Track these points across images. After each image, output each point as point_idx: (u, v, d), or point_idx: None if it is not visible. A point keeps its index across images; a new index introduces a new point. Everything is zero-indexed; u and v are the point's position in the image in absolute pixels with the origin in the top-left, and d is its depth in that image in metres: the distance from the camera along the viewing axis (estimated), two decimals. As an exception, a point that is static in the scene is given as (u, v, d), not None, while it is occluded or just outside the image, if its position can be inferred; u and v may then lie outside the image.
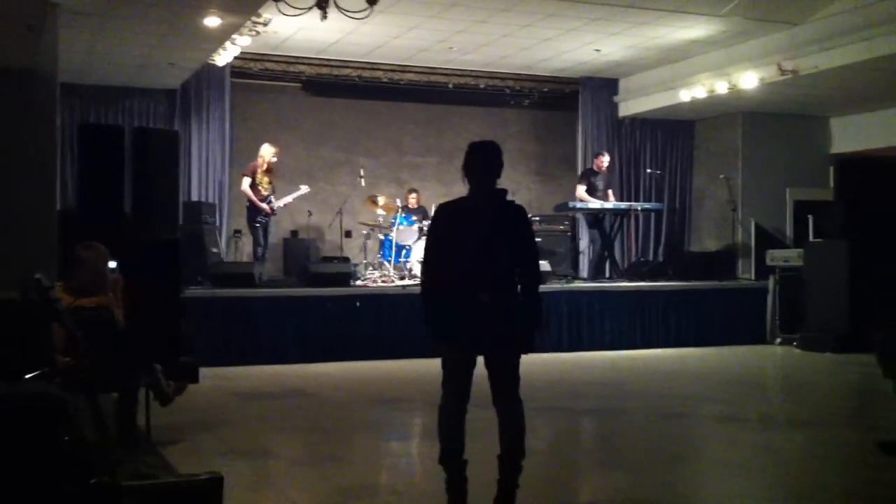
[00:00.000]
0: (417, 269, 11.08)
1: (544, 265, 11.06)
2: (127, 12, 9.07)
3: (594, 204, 12.88)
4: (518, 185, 14.37)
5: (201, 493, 3.53)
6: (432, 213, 4.77)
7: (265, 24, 10.52)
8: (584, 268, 13.94)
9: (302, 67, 13.37)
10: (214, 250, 11.77)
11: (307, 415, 7.64)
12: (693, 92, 12.86)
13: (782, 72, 11.52)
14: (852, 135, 14.40)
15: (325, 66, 13.42)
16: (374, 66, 13.58)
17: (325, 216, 13.39)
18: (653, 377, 9.93)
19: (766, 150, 14.19)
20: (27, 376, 4.03)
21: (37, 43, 7.63)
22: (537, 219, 12.97)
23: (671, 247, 14.78)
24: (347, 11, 8.83)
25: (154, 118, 12.70)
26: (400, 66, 13.61)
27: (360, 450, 6.49)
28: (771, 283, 12.72)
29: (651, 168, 14.69)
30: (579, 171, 13.87)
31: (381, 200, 12.40)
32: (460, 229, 4.50)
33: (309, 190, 12.27)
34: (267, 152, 11.71)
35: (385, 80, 13.84)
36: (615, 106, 14.66)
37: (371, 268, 12.08)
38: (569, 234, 13.47)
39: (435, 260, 4.56)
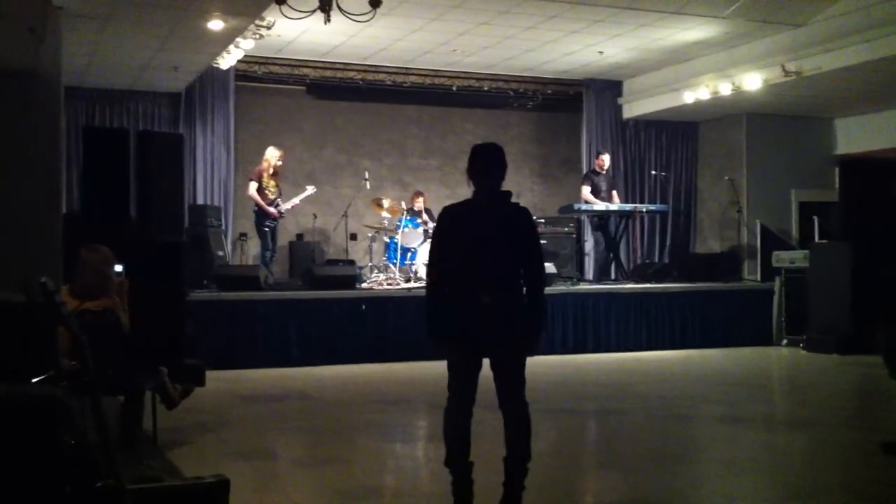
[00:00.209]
0: (423, 272, 11.07)
1: (549, 267, 11.06)
2: (130, 15, 9.08)
3: (599, 206, 12.88)
4: (522, 187, 14.38)
5: (207, 496, 3.53)
6: (437, 215, 4.78)
7: (268, 28, 10.54)
8: (589, 269, 13.93)
9: (305, 70, 13.39)
10: (219, 253, 11.77)
11: (312, 417, 7.65)
12: (697, 93, 12.85)
13: (786, 73, 11.51)
14: (856, 136, 14.38)
15: (329, 68, 13.44)
16: (377, 69, 13.59)
17: (330, 219, 13.40)
18: (658, 379, 9.92)
19: (770, 152, 14.17)
20: (32, 381, 4.03)
21: (40, 46, 7.64)
22: (542, 221, 12.96)
23: (676, 248, 14.76)
24: (350, 14, 8.83)
25: (158, 121, 12.72)
26: (403, 68, 13.62)
27: (364, 452, 6.49)
28: (777, 284, 12.70)
29: (655, 170, 14.67)
30: (583, 174, 13.86)
31: (385, 203, 12.40)
32: (464, 232, 4.51)
33: (315, 190, 12.28)
34: (272, 155, 11.71)
35: (388, 82, 13.85)
36: (619, 108, 14.65)
37: (376, 270, 12.09)
38: (573, 235, 13.46)
39: (440, 262, 4.57)
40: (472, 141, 4.89)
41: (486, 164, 4.54)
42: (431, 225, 11.39)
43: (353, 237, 13.14)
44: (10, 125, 8.01)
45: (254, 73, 13.16)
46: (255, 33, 10.55)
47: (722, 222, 14.56)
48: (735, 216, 13.85)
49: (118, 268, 6.12)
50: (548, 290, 4.67)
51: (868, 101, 13.22)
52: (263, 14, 9.90)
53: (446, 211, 4.62)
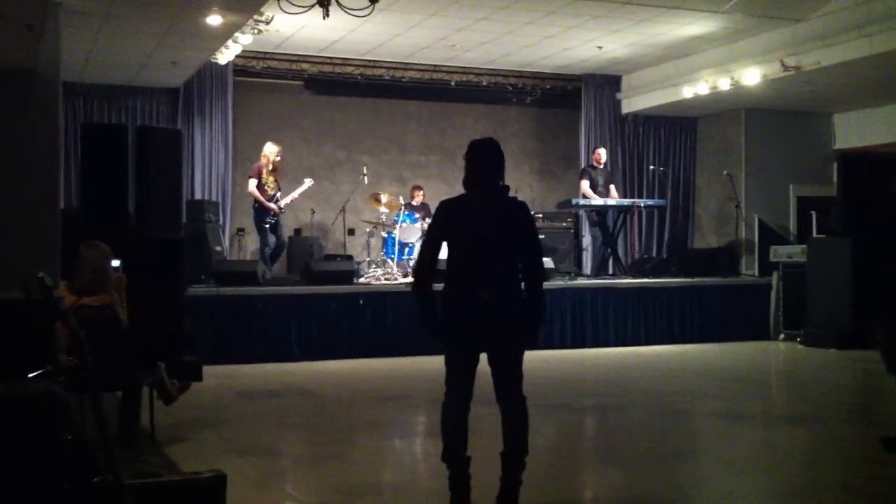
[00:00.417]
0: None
1: (547, 262, 11.06)
2: (128, 11, 9.07)
3: (597, 201, 12.89)
4: (520, 182, 14.37)
5: (205, 491, 3.53)
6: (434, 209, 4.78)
7: (267, 23, 10.53)
8: (587, 265, 13.95)
9: (304, 66, 13.38)
10: (218, 249, 11.77)
11: (310, 413, 7.66)
12: (696, 88, 12.85)
13: (785, 68, 11.51)
14: (856, 131, 14.38)
15: (327, 64, 13.43)
16: (375, 64, 13.58)
17: (328, 214, 13.40)
18: (656, 374, 9.93)
19: (769, 147, 14.18)
20: (30, 375, 4.04)
21: (38, 42, 7.64)
22: (540, 216, 12.98)
23: (674, 243, 14.77)
24: (349, 9, 8.83)
25: (157, 117, 12.71)
26: (402, 63, 13.61)
27: (362, 447, 6.50)
28: (774, 279, 12.71)
29: (654, 165, 14.68)
30: (581, 169, 13.87)
31: (384, 198, 12.40)
32: (462, 227, 4.51)
33: (312, 183, 12.24)
34: (271, 151, 11.69)
35: (387, 77, 13.84)
36: (618, 103, 14.65)
37: (374, 265, 12.09)
38: (572, 231, 13.47)
39: (430, 255, 4.58)
40: (471, 136, 4.90)
41: (484, 159, 4.54)
42: (429, 220, 11.39)
43: (351, 232, 13.14)
44: (8, 121, 8.01)
45: (252, 69, 13.15)
46: (253, 28, 10.54)
47: (720, 217, 14.57)
48: (733, 211, 13.85)
49: (116, 263, 6.12)
50: (546, 285, 4.66)
51: (867, 96, 13.22)
52: (262, 9, 9.89)
53: (444, 205, 4.62)
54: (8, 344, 4.63)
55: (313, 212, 13.05)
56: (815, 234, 12.59)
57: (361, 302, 10.75)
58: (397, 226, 12.04)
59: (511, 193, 4.69)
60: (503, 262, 4.48)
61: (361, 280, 11.51)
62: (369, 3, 8.84)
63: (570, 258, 13.18)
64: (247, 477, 5.35)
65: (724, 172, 14.00)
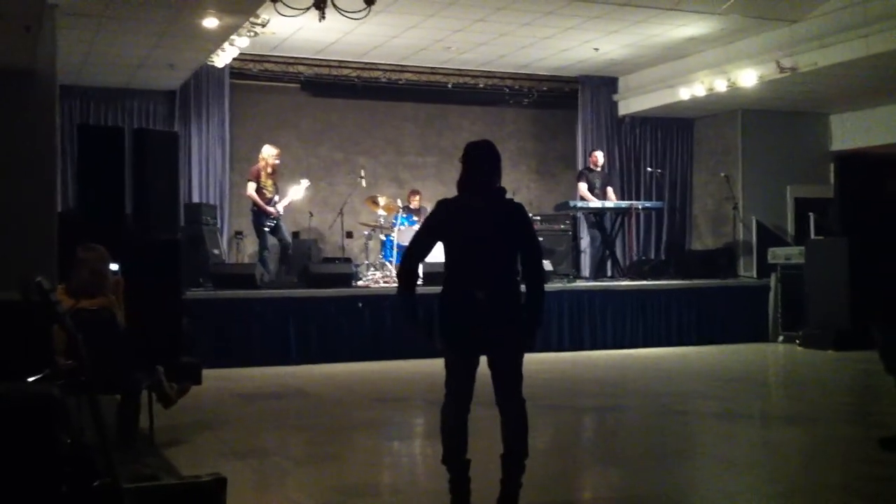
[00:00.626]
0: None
1: (545, 265, 11.04)
2: (125, 14, 9.06)
3: (595, 203, 12.89)
4: (518, 184, 14.38)
5: (204, 494, 3.52)
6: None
7: (263, 25, 10.52)
8: (585, 267, 13.94)
9: (300, 68, 13.37)
10: (215, 251, 11.76)
11: (309, 415, 7.64)
12: (692, 90, 12.86)
13: (781, 69, 11.52)
14: (852, 131, 14.39)
15: (324, 66, 13.43)
16: (372, 66, 13.58)
17: (326, 217, 13.38)
18: (654, 376, 9.93)
19: (766, 148, 14.19)
20: (28, 380, 4.02)
21: (35, 44, 7.63)
22: (538, 218, 12.98)
23: (672, 245, 14.77)
24: (345, 12, 8.82)
25: (153, 119, 12.69)
26: (398, 65, 13.61)
27: (361, 450, 6.48)
28: (773, 280, 12.72)
29: (651, 166, 14.69)
30: (578, 171, 13.87)
31: (381, 201, 12.39)
32: (459, 227, 4.50)
33: (308, 183, 12.21)
34: (269, 154, 11.66)
35: (384, 79, 13.84)
36: (614, 104, 14.66)
37: (372, 268, 12.08)
38: (569, 233, 13.47)
39: (418, 250, 4.59)
40: (468, 138, 4.89)
41: (480, 161, 4.53)
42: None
43: (350, 235, 13.13)
44: (5, 123, 8.00)
45: (249, 71, 13.14)
46: (249, 31, 10.54)
47: (717, 219, 14.58)
48: (731, 212, 13.86)
49: (113, 266, 6.11)
50: (544, 287, 4.65)
51: (864, 96, 13.23)
52: (258, 12, 9.88)
53: (442, 204, 4.60)
54: (6, 346, 4.62)
55: (311, 214, 13.04)
56: (812, 236, 12.59)
57: (360, 305, 10.74)
58: (395, 228, 12.03)
59: (508, 195, 4.68)
60: (501, 264, 4.47)
61: (360, 283, 11.51)
62: (365, 6, 8.83)
63: (568, 260, 13.18)
64: (246, 480, 5.34)
65: (722, 174, 14.01)
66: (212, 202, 12.56)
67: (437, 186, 13.90)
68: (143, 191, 8.26)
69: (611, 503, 5.19)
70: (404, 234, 12.02)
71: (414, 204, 13.01)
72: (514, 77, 14.34)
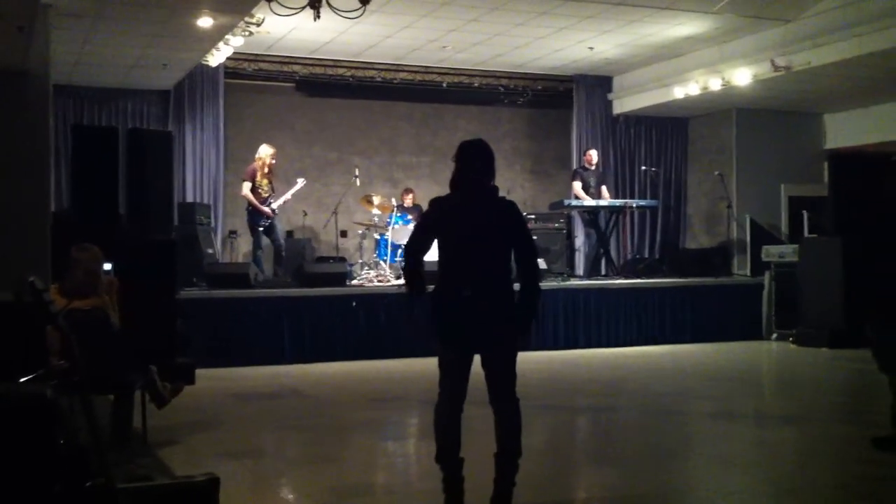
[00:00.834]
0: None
1: (540, 263, 11.04)
2: (119, 13, 9.05)
3: (589, 202, 12.90)
4: (513, 183, 14.39)
5: (198, 494, 3.52)
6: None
7: (258, 25, 10.51)
8: (579, 265, 13.96)
9: (295, 67, 13.36)
10: (210, 251, 11.74)
11: (303, 415, 7.64)
12: (687, 89, 12.88)
13: (775, 68, 11.54)
14: (846, 130, 14.43)
15: (319, 65, 13.41)
16: (367, 66, 13.57)
17: (320, 216, 13.38)
18: (649, 374, 9.94)
19: (760, 147, 14.21)
20: (22, 380, 4.02)
21: (28, 44, 7.61)
22: (533, 217, 12.99)
23: (666, 244, 14.80)
24: (340, 11, 8.82)
25: (148, 119, 12.68)
26: (393, 65, 13.60)
27: (356, 449, 6.49)
28: (766, 279, 12.74)
29: (646, 165, 14.71)
30: (573, 170, 13.89)
31: (376, 200, 12.39)
32: (452, 225, 4.51)
33: (305, 183, 12.20)
34: (266, 153, 11.64)
35: (378, 79, 13.83)
36: (609, 103, 14.67)
37: (367, 267, 12.08)
38: (564, 231, 13.48)
39: (419, 244, 4.60)
40: (463, 137, 4.90)
41: (473, 160, 4.54)
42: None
43: (344, 234, 13.12)
44: (-2, 123, 7.98)
45: (243, 71, 13.13)
46: (244, 30, 10.53)
47: (712, 217, 14.60)
48: (725, 211, 13.88)
49: (107, 266, 6.10)
50: (539, 284, 4.66)
51: (857, 96, 13.26)
52: (253, 11, 9.88)
53: (436, 202, 4.61)
54: (-1, 347, 4.62)
55: (305, 214, 13.03)
56: (806, 234, 12.61)
57: (354, 304, 10.74)
58: (390, 227, 12.03)
59: (503, 194, 4.68)
60: (494, 262, 4.47)
61: (354, 282, 11.51)
62: (360, 5, 8.82)
63: (563, 259, 13.19)
64: (240, 480, 5.34)
65: (716, 172, 14.03)
66: (206, 202, 12.54)
67: (432, 186, 13.89)
68: (138, 191, 8.26)
69: (605, 503, 5.20)
70: (399, 233, 12.01)
71: (407, 202, 13.02)
72: (509, 76, 14.34)
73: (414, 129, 14.76)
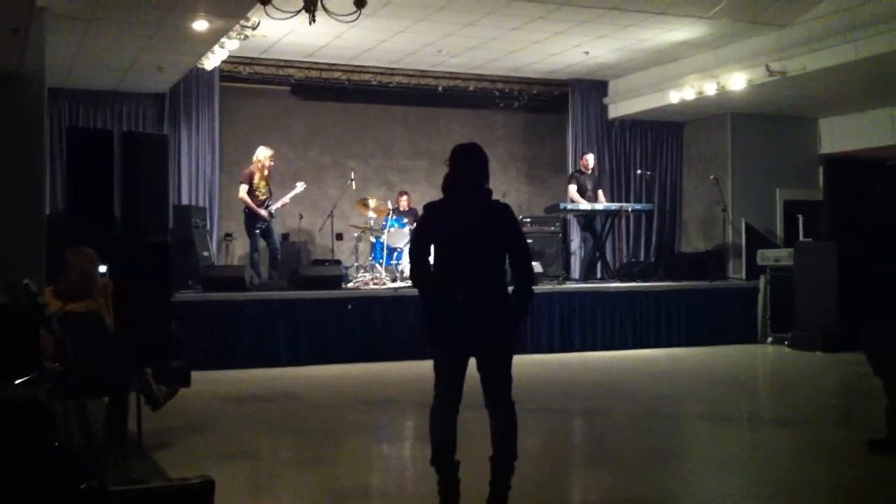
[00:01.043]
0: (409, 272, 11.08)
1: (536, 266, 11.07)
2: (114, 16, 9.03)
3: (585, 205, 12.92)
4: (508, 187, 14.38)
5: (193, 497, 3.52)
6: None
7: (253, 28, 10.51)
8: (575, 269, 13.97)
9: (291, 71, 13.35)
10: (205, 254, 11.72)
11: (298, 418, 7.63)
12: (682, 93, 12.89)
13: (770, 73, 11.56)
14: (841, 135, 14.45)
15: (314, 69, 13.41)
16: (362, 70, 13.57)
17: (316, 219, 13.37)
18: (644, 377, 9.95)
19: (755, 151, 14.23)
20: (15, 382, 4.01)
21: (23, 47, 7.60)
22: (528, 220, 13.01)
23: (662, 247, 14.81)
24: (336, 15, 8.81)
25: (143, 122, 12.65)
26: (389, 69, 13.60)
27: (351, 452, 6.48)
28: (762, 282, 12.76)
29: (641, 169, 14.72)
30: (569, 174, 13.90)
31: (371, 203, 12.39)
32: (445, 229, 4.52)
33: (304, 187, 12.18)
34: (264, 155, 11.60)
35: (374, 83, 13.84)
36: (605, 108, 14.69)
37: (362, 270, 12.07)
38: (560, 235, 13.50)
39: (419, 255, 4.60)
40: (458, 141, 4.91)
41: (466, 164, 4.56)
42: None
43: (339, 237, 13.11)
44: (-7, 126, 7.97)
45: (239, 74, 13.12)
46: (239, 34, 10.52)
47: (707, 221, 14.62)
48: (720, 215, 13.90)
49: (102, 269, 6.09)
50: (534, 289, 4.67)
51: (852, 100, 13.29)
52: (248, 14, 9.87)
53: (429, 207, 4.63)
54: (-7, 349, 4.60)
55: (301, 217, 13.02)
56: (801, 238, 12.64)
57: (350, 307, 10.74)
58: (385, 230, 12.03)
59: (497, 198, 4.69)
60: (488, 265, 4.48)
61: (350, 285, 11.50)
62: (356, 9, 8.82)
63: (559, 262, 13.21)
64: (235, 482, 5.33)
65: (711, 176, 14.05)
66: (201, 205, 12.52)
67: (427, 189, 13.90)
68: (133, 193, 8.25)
69: (600, 505, 5.21)
70: (394, 236, 12.02)
71: (402, 205, 13.02)
72: (505, 80, 14.35)
73: (409, 133, 14.77)
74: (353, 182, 12.84)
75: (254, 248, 11.72)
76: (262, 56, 12.81)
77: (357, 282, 11.67)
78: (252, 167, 11.58)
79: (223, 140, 13.07)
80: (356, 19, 9.03)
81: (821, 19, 10.86)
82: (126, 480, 3.69)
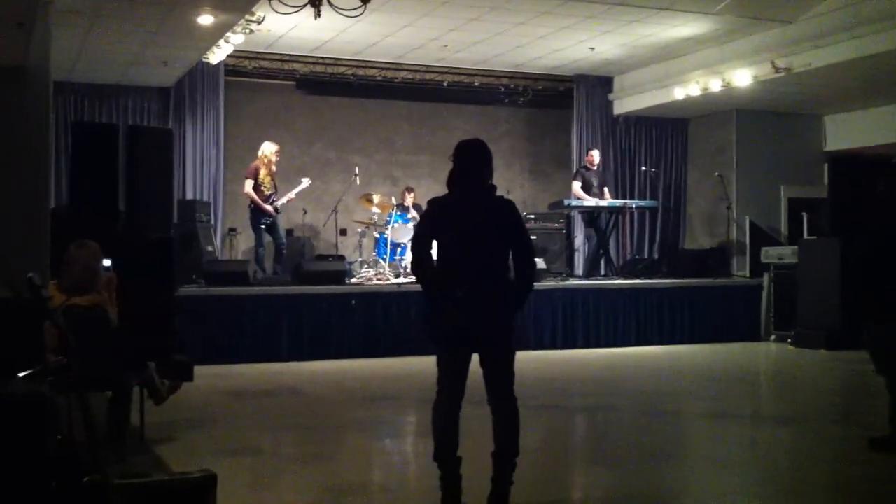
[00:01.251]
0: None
1: (539, 263, 11.07)
2: (119, 10, 9.04)
3: (589, 202, 12.91)
4: (512, 183, 14.40)
5: (194, 491, 3.53)
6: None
7: (259, 23, 10.50)
8: (578, 265, 13.96)
9: (296, 66, 13.36)
10: (209, 248, 11.74)
11: (300, 413, 7.64)
12: (687, 90, 12.88)
13: (775, 69, 11.54)
14: (846, 132, 14.43)
15: (319, 64, 13.41)
16: (367, 65, 13.57)
17: (320, 214, 13.38)
18: (647, 375, 9.95)
19: (760, 148, 14.21)
20: (19, 375, 4.02)
21: (28, 40, 7.60)
22: (532, 216, 13.00)
23: (666, 244, 14.80)
24: (341, 9, 8.81)
25: (148, 116, 12.67)
26: (393, 64, 13.60)
27: (353, 448, 6.49)
28: (765, 280, 12.75)
29: (645, 166, 14.71)
30: (574, 170, 13.89)
31: (375, 199, 12.39)
32: (448, 224, 4.52)
33: (310, 182, 12.16)
34: (270, 150, 11.57)
35: (379, 78, 13.84)
36: (609, 104, 14.67)
37: (366, 266, 12.08)
38: (563, 231, 13.49)
39: (422, 250, 4.59)
40: (463, 137, 4.91)
41: (470, 158, 4.55)
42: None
43: (343, 233, 13.12)
44: (-2, 120, 7.97)
45: (243, 68, 13.13)
46: (245, 28, 10.52)
47: (711, 218, 14.60)
48: (724, 212, 13.88)
49: (106, 263, 6.10)
50: (537, 285, 4.67)
51: (857, 97, 13.27)
52: (253, 9, 9.87)
53: (433, 203, 4.63)
54: (-3, 343, 4.61)
55: (305, 212, 13.03)
56: (805, 235, 12.61)
57: (353, 302, 10.74)
58: (389, 226, 12.03)
59: (503, 193, 4.69)
60: (490, 260, 4.48)
61: (353, 280, 11.51)
62: (361, 4, 8.82)
63: (562, 259, 13.20)
64: (237, 477, 5.34)
65: (716, 173, 14.03)
66: (206, 199, 12.53)
67: (432, 185, 13.90)
68: (137, 188, 8.25)
69: (601, 502, 5.21)
70: (398, 231, 12.02)
71: (408, 201, 13.02)
72: (510, 76, 14.34)
73: (413, 128, 14.76)
74: (358, 177, 12.84)
75: (259, 243, 11.72)
76: (266, 51, 12.81)
77: (360, 277, 11.68)
78: (257, 162, 11.57)
79: (228, 135, 13.08)
80: (361, 14, 9.05)
81: (826, 15, 10.84)
82: (128, 474, 3.70)
